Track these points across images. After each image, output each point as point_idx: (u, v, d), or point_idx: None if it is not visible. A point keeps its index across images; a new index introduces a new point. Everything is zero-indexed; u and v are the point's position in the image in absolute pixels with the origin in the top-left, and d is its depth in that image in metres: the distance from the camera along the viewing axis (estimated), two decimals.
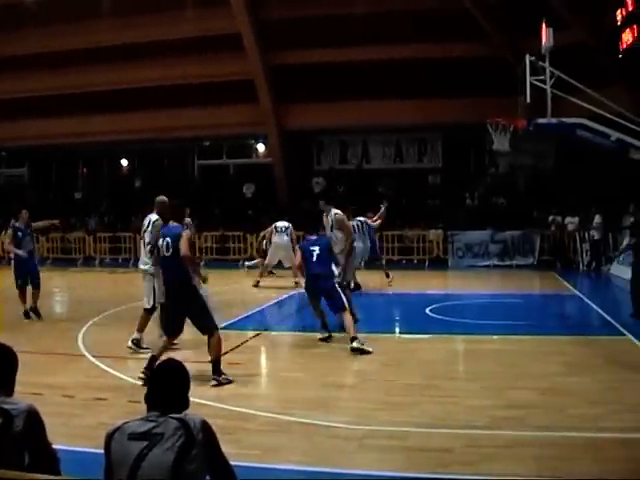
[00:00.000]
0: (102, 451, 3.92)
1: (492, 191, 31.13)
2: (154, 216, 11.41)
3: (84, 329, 13.51)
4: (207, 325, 9.43)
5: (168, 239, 9.50)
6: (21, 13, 29.42)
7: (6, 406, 4.03)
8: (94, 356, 10.98)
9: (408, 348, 11.95)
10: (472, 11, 26.54)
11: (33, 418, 4.09)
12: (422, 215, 29.55)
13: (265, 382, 10.34)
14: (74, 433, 6.86)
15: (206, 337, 9.38)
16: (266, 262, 20.13)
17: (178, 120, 31.63)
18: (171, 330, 9.56)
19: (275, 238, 19.73)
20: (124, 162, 39.47)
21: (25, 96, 32.30)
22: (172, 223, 9.76)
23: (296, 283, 18.28)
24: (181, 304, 9.43)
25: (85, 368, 10.31)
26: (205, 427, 3.88)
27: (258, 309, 16.05)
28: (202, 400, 7.41)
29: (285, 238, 19.57)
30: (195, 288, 9.56)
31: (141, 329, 11.51)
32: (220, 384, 8.96)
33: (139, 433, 3.80)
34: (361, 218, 19.02)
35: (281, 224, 19.77)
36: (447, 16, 26.53)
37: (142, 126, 32.26)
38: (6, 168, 41.31)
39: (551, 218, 26.97)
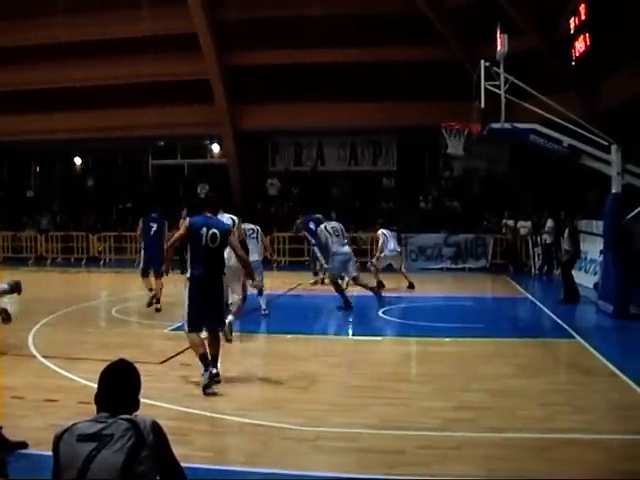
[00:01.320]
0: (50, 453, 3.87)
1: (446, 194, 31.36)
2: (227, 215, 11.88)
3: (35, 329, 13.34)
4: (222, 322, 9.93)
5: (216, 231, 9.25)
6: None
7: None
8: (45, 357, 10.85)
9: (360, 350, 11.99)
10: (429, 15, 26.74)
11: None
12: (376, 217, 29.66)
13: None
14: (23, 435, 6.76)
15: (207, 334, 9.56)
16: None
17: (133, 119, 31.40)
18: (197, 324, 9.36)
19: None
20: (77, 161, 39.11)
21: None
22: (209, 214, 9.54)
23: None
24: (213, 297, 9.27)
25: (35, 369, 10.19)
26: (155, 428, 3.84)
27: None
28: (153, 401, 7.35)
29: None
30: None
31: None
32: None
33: (88, 434, 3.76)
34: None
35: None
36: (404, 20, 26.69)
37: (96, 124, 31.99)
38: None
39: (503, 222, 27.24)
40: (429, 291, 20.50)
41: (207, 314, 9.26)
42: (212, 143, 36.19)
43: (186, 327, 9.28)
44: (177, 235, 9.57)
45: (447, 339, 12.40)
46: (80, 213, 33.59)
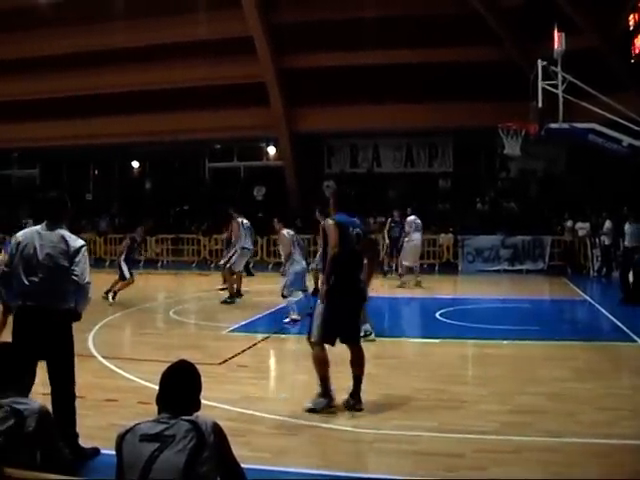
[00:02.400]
0: (112, 452, 3.93)
1: (503, 195, 31.10)
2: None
3: (94, 330, 13.54)
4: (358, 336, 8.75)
5: (359, 231, 8.35)
6: (32, 14, 29.48)
7: (18, 406, 4.06)
8: (104, 357, 11.01)
9: (418, 352, 11.96)
10: (485, 15, 26.52)
11: (45, 418, 4.12)
12: (432, 219, 29.56)
13: (274, 385, 10.36)
14: (85, 434, 6.86)
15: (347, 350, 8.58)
16: None
17: (189, 123, 31.67)
18: (333, 335, 8.29)
19: None
20: (135, 164, 39.64)
21: (37, 98, 32.41)
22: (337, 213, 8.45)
23: None
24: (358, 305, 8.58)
25: (95, 369, 10.33)
26: (216, 429, 3.89)
27: (267, 312, 16.05)
28: (212, 402, 7.43)
29: None
30: None
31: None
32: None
33: (151, 435, 3.82)
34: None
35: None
36: (459, 20, 26.49)
37: (153, 128, 32.34)
38: (18, 169, 41.51)
39: (565, 223, 26.97)
40: (486, 293, 20.38)
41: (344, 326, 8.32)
42: (268, 146, 36.37)
43: (316, 337, 8.25)
44: (333, 241, 8.13)
45: (504, 342, 12.29)
46: (138, 216, 33.96)
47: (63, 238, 6.61)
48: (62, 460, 4.26)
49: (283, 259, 15.58)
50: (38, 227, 6.74)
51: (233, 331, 13.69)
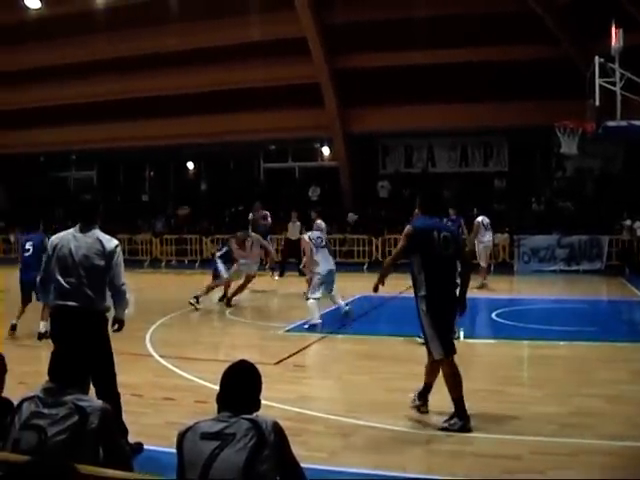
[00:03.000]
0: (171, 449, 3.99)
1: (559, 195, 30.75)
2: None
3: (151, 329, 13.71)
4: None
5: (447, 234, 7.80)
6: (90, 19, 29.90)
7: (81, 403, 4.14)
8: (161, 356, 11.15)
9: (474, 353, 11.87)
10: (539, 13, 26.22)
11: (107, 416, 4.20)
12: (488, 219, 29.35)
13: (330, 385, 10.36)
14: (143, 431, 6.97)
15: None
16: None
17: (244, 124, 31.82)
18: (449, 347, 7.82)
19: None
20: (190, 165, 39.97)
21: (94, 101, 32.88)
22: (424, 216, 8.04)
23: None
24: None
25: (153, 368, 10.47)
26: (276, 428, 3.93)
27: (323, 312, 16.06)
28: (268, 402, 7.46)
29: None
30: None
31: None
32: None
33: (211, 433, 3.87)
34: None
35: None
36: (513, 18, 26.20)
37: (208, 130, 32.58)
38: (76, 171, 42.15)
39: (624, 222, 26.60)
40: (542, 293, 20.18)
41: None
42: (322, 146, 36.42)
43: (439, 354, 7.76)
44: (398, 247, 8.13)
45: (560, 342, 12.17)
46: (193, 216, 34.27)
47: (98, 239, 6.77)
48: (123, 456, 4.34)
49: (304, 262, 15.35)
50: (73, 229, 6.89)
51: (289, 331, 13.75)
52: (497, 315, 15.28)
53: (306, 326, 14.05)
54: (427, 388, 8.05)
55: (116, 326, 7.06)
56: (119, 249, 6.86)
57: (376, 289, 8.17)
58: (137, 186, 39.91)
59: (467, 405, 7.63)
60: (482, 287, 19.96)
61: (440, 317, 7.70)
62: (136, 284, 24.07)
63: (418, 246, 7.70)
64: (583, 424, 7.52)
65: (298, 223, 24.38)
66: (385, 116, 30.09)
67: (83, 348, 6.38)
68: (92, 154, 38.81)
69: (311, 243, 14.69)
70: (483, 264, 20.65)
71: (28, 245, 13.53)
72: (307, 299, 14.50)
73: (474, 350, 12.22)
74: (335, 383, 10.29)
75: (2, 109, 34.66)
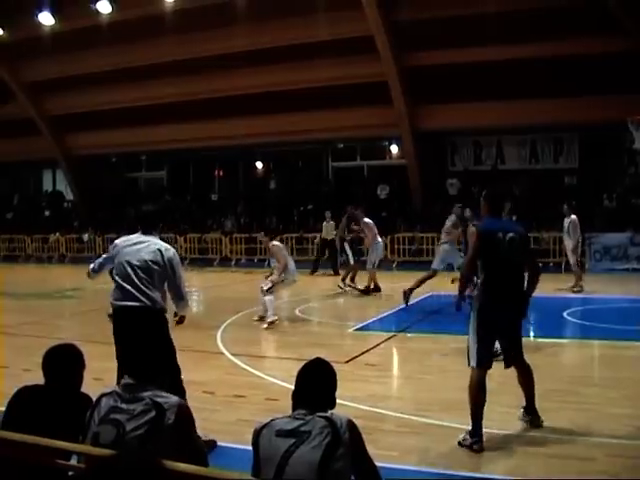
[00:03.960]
0: (241, 446, 4.03)
1: (631, 192, 30.17)
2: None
3: (222, 327, 13.86)
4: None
5: (513, 235, 7.30)
6: (158, 22, 30.29)
7: (158, 400, 4.20)
8: (232, 354, 11.26)
9: (546, 353, 11.71)
10: (611, 5, 25.73)
11: (184, 412, 4.26)
12: (559, 217, 28.93)
13: (400, 383, 10.34)
14: (215, 428, 7.04)
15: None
16: None
17: (312, 122, 31.96)
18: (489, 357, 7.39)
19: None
20: (259, 164, 40.27)
21: (163, 102, 33.38)
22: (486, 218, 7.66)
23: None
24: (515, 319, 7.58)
25: (224, 365, 10.57)
26: (351, 427, 3.94)
27: (393, 311, 16.05)
28: (339, 400, 7.45)
29: None
30: None
31: None
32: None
33: (287, 430, 3.90)
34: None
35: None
36: (584, 11, 25.79)
37: (276, 129, 32.78)
38: (146, 171, 42.84)
39: None
40: (615, 292, 19.83)
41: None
42: (391, 144, 36.38)
43: (475, 362, 7.30)
44: (471, 250, 7.59)
45: (636, 343, 11.95)
46: (263, 215, 34.49)
47: (156, 245, 7.25)
48: (199, 452, 4.40)
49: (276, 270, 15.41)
50: (135, 235, 7.40)
51: (359, 329, 13.76)
52: (569, 314, 15.06)
53: (264, 326, 14.14)
54: (529, 400, 7.64)
55: (178, 317, 7.61)
56: (177, 257, 7.35)
57: (459, 307, 7.44)
58: (207, 186, 40.36)
59: (542, 405, 7.55)
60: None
61: (489, 324, 7.25)
62: (206, 283, 24.48)
63: (484, 248, 7.26)
64: None
65: (332, 222, 24.40)
66: (453, 113, 29.90)
67: (147, 345, 6.73)
68: (162, 154, 39.46)
69: (284, 249, 15.16)
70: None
71: None
72: (265, 293, 14.52)
73: (546, 350, 12.05)
74: (406, 382, 10.26)
75: (75, 112, 35.50)
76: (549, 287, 20.25)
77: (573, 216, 19.33)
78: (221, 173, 41.49)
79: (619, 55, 25.95)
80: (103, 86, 33.63)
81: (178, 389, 6.90)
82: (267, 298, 14.37)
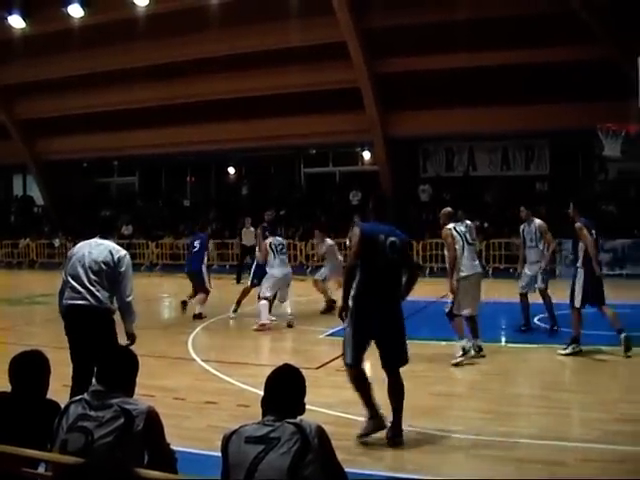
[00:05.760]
0: (212, 453, 4.01)
1: (602, 198, 30.42)
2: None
3: (194, 334, 13.81)
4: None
5: (394, 239, 7.55)
6: (130, 26, 30.19)
7: (127, 406, 4.19)
8: (203, 360, 11.23)
9: (516, 358, 11.79)
10: (580, 13, 25.94)
11: (153, 419, 4.24)
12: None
13: (374, 389, 10.34)
14: (185, 435, 7.00)
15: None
16: None
17: (284, 128, 31.93)
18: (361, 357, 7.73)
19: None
20: (231, 170, 40.22)
21: (135, 107, 33.20)
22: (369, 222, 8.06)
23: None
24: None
25: (195, 372, 10.55)
26: (320, 433, 3.94)
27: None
28: (310, 406, 7.43)
29: None
30: None
31: None
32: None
33: (256, 437, 3.89)
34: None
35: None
36: (554, 20, 25.97)
37: (249, 135, 32.73)
38: (118, 177, 42.66)
39: None
40: None
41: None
42: (363, 150, 36.44)
43: (351, 360, 7.74)
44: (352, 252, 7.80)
45: (605, 347, 12.03)
46: (235, 221, 34.41)
47: (108, 248, 7.51)
48: (168, 459, 4.38)
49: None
50: (93, 239, 7.69)
51: (330, 335, 13.74)
52: (540, 320, 15.12)
53: (254, 327, 14.40)
54: (395, 415, 7.48)
55: (128, 339, 7.52)
56: (127, 259, 7.53)
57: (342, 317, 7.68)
58: (178, 191, 40.27)
59: (512, 410, 7.59)
60: None
61: (364, 326, 7.49)
62: (177, 289, 24.34)
63: (364, 250, 7.43)
64: (629, 431, 7.43)
65: (252, 229, 23.95)
66: (426, 120, 29.98)
67: (93, 343, 6.94)
68: (134, 160, 39.26)
69: (270, 249, 15.20)
70: None
71: (196, 243, 17.20)
72: (259, 299, 14.90)
73: (517, 355, 12.13)
74: (377, 387, 10.24)
75: (46, 116, 35.21)
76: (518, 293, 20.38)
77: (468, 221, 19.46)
78: (193, 179, 41.41)
79: (590, 63, 26.15)
80: (75, 90, 33.39)
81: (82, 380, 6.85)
82: (262, 303, 14.56)
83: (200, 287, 16.80)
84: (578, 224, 11.20)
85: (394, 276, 7.55)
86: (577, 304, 11.25)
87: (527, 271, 14.02)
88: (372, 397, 7.46)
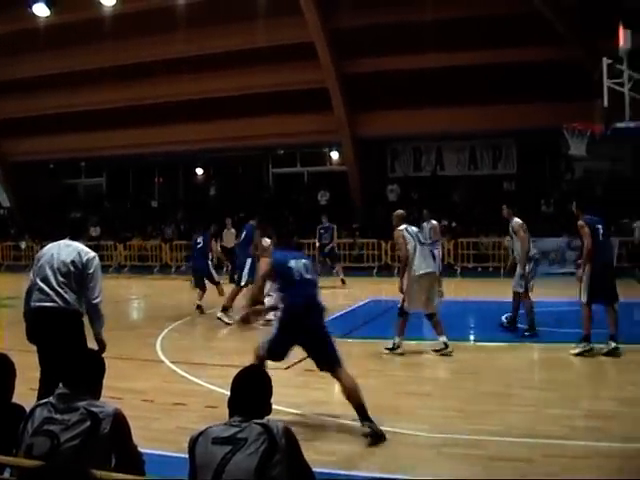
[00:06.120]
0: (181, 454, 4.00)
1: (568, 197, 30.63)
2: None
3: (162, 335, 13.74)
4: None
5: (306, 261, 8.37)
6: (96, 28, 30.03)
7: (94, 409, 4.16)
8: (172, 362, 11.17)
9: (485, 356, 11.85)
10: (546, 14, 26.16)
11: (120, 421, 4.22)
12: (497, 222, 29.25)
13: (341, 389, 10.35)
14: (154, 437, 6.97)
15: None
16: None
17: (252, 129, 31.90)
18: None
19: None
20: (199, 171, 40.09)
21: (102, 108, 33.03)
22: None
23: None
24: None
25: (163, 373, 10.50)
26: (288, 433, 3.93)
27: (334, 316, 16.03)
28: (278, 406, 7.43)
29: None
30: None
31: None
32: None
33: (223, 438, 3.88)
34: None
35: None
36: (520, 20, 26.16)
37: (217, 135, 32.67)
38: (85, 178, 42.36)
39: (635, 224, 26.49)
40: (552, 296, 20.09)
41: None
42: (331, 151, 36.46)
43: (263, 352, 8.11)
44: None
45: (572, 345, 12.12)
46: (203, 222, 34.29)
47: (77, 249, 7.40)
48: (136, 461, 4.36)
49: None
50: (62, 240, 7.57)
51: None
52: (507, 318, 15.20)
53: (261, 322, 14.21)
54: (359, 410, 7.62)
55: (98, 345, 7.30)
56: (96, 261, 7.43)
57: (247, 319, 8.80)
58: (146, 192, 40.07)
59: (481, 408, 7.62)
60: None
61: (289, 338, 7.97)
62: (146, 290, 24.29)
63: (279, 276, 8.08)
64: (595, 426, 7.49)
65: (233, 230, 23.82)
66: (393, 120, 30.06)
67: (61, 346, 6.79)
68: (101, 161, 39.00)
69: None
70: None
71: (199, 239, 18.34)
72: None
73: (485, 353, 12.20)
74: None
75: (12, 117, 34.85)
76: (489, 291, 20.54)
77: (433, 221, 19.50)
78: (161, 179, 41.21)
79: (556, 64, 26.40)
80: (42, 91, 33.10)
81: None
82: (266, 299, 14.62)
83: (211, 282, 17.72)
84: (580, 222, 11.35)
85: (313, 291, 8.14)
86: (584, 299, 11.32)
87: (518, 270, 14.14)
88: None
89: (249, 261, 16.02)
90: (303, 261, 8.10)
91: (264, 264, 8.76)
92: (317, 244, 24.74)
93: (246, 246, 16.58)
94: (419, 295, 11.75)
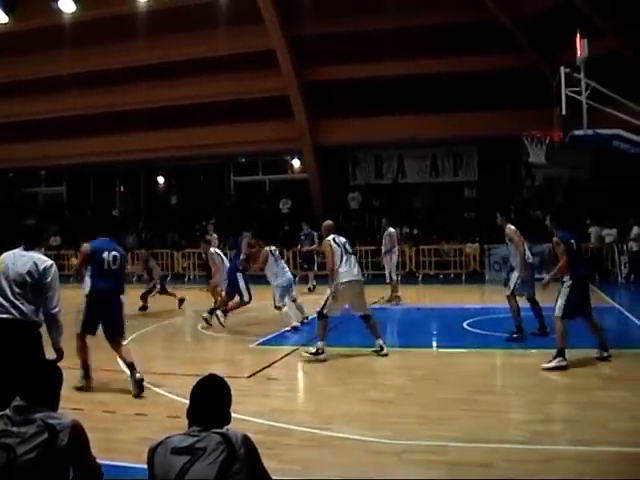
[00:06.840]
0: (142, 465, 3.97)
1: (528, 204, 30.92)
2: None
3: (124, 344, 13.60)
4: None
5: (116, 254, 10.44)
6: (56, 35, 29.83)
7: (51, 421, 4.11)
8: None
9: (446, 362, 11.91)
10: (506, 24, 26.46)
11: (78, 433, 4.18)
12: (458, 229, 29.45)
13: (304, 397, 10.35)
14: (114, 448, 6.92)
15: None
16: None
17: (213, 137, 31.87)
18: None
19: None
20: (161, 179, 39.89)
21: (62, 116, 32.80)
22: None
23: None
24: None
25: (125, 384, 10.39)
26: (247, 442, 3.92)
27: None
28: (241, 415, 7.42)
29: None
30: None
31: None
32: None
33: (182, 447, 3.87)
34: None
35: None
36: (480, 29, 26.44)
37: (178, 143, 32.58)
38: (45, 187, 41.94)
39: (591, 230, 26.77)
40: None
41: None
42: (293, 159, 36.52)
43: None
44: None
45: (533, 350, 12.23)
46: (164, 230, 34.16)
47: (33, 259, 7.24)
48: (95, 474, 4.32)
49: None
50: (17, 250, 7.41)
51: (261, 344, 13.71)
52: (468, 324, 15.31)
53: (288, 328, 14.96)
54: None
55: (55, 354, 7.19)
56: (53, 270, 7.27)
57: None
58: (107, 201, 39.76)
59: (442, 414, 7.65)
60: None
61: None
62: None
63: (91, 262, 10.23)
64: (555, 431, 7.58)
65: (215, 235, 23.83)
66: (355, 127, 30.19)
67: (18, 358, 6.59)
68: (62, 169, 38.66)
69: (271, 254, 15.82)
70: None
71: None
72: (278, 308, 15.83)
73: (445, 360, 12.26)
74: (308, 395, 10.28)
75: None
76: (450, 298, 20.64)
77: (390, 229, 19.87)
78: (122, 188, 40.95)
79: (515, 72, 26.68)
80: None
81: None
82: (284, 310, 15.67)
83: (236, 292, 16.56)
84: (555, 239, 11.34)
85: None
86: (558, 313, 11.27)
87: (516, 273, 14.20)
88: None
89: (240, 275, 15.93)
90: None
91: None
92: (299, 248, 25.50)
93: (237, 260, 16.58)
94: (341, 302, 12.24)
